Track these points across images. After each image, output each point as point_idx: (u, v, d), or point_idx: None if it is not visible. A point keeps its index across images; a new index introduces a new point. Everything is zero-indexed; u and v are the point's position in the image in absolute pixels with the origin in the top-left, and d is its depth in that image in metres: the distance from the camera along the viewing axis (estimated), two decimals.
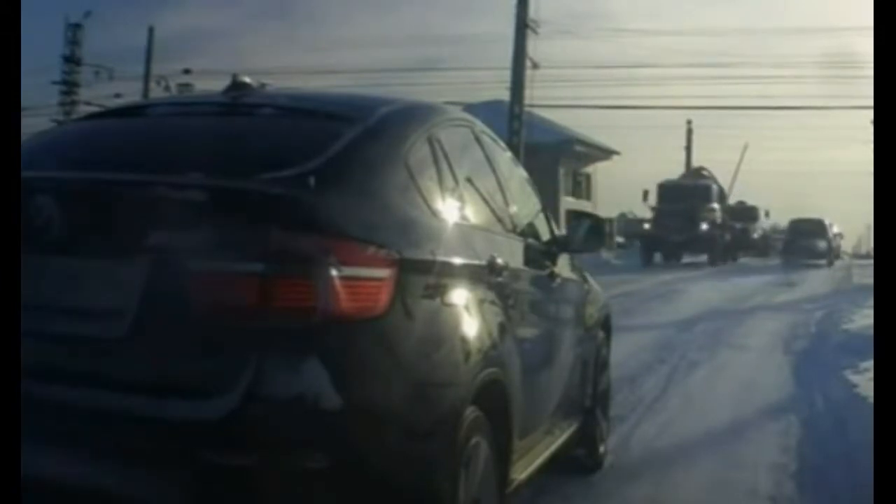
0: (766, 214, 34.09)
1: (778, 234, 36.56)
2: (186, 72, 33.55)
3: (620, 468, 4.97)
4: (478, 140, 3.68)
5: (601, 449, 4.93)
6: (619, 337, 5.98)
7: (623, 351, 7.59)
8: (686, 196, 28.19)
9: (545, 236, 4.21)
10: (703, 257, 27.52)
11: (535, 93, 25.98)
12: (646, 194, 29.53)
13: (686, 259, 28.27)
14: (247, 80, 3.27)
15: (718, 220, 28.15)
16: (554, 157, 31.68)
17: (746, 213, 34.66)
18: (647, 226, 28.72)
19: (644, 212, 30.17)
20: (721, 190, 30.13)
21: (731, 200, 33.44)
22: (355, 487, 2.34)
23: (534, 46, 25.51)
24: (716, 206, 28.47)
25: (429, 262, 2.68)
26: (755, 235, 35.36)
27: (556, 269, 4.07)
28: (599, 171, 38.59)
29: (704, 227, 27.32)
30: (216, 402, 2.25)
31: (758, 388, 7.70)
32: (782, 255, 32.29)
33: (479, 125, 3.81)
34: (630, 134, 79.77)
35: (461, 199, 3.16)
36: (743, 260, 31.36)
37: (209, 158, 2.66)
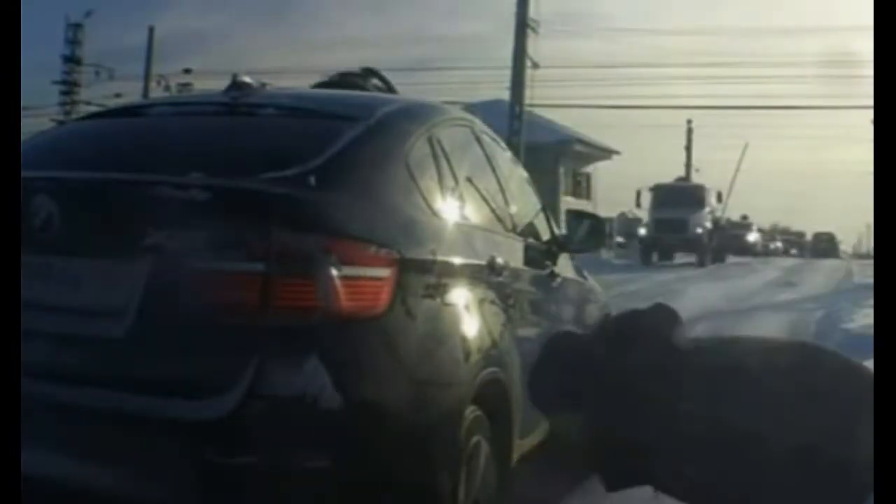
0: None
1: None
2: (186, 72, 33.60)
3: None
4: (478, 140, 3.68)
5: None
6: None
7: None
8: (678, 200, 28.44)
9: (545, 236, 4.21)
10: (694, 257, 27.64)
11: (535, 93, 25.95)
12: (638, 195, 29.78)
13: (678, 259, 28.43)
14: (247, 80, 3.26)
15: (708, 225, 28.33)
16: (554, 157, 31.64)
17: (742, 224, 39.57)
18: (641, 230, 29.01)
19: (642, 212, 30.23)
20: (717, 193, 30.11)
21: (732, 205, 33.37)
22: (356, 487, 2.34)
23: (534, 46, 25.49)
24: (706, 210, 28.60)
25: (429, 261, 2.69)
26: (750, 240, 39.30)
27: (556, 269, 4.07)
28: (599, 171, 38.55)
29: (697, 231, 27.49)
30: (217, 401, 2.25)
31: None
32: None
33: (479, 125, 3.80)
34: (630, 134, 79.79)
35: (461, 198, 3.16)
36: (732, 260, 31.13)
37: (210, 158, 2.66)
